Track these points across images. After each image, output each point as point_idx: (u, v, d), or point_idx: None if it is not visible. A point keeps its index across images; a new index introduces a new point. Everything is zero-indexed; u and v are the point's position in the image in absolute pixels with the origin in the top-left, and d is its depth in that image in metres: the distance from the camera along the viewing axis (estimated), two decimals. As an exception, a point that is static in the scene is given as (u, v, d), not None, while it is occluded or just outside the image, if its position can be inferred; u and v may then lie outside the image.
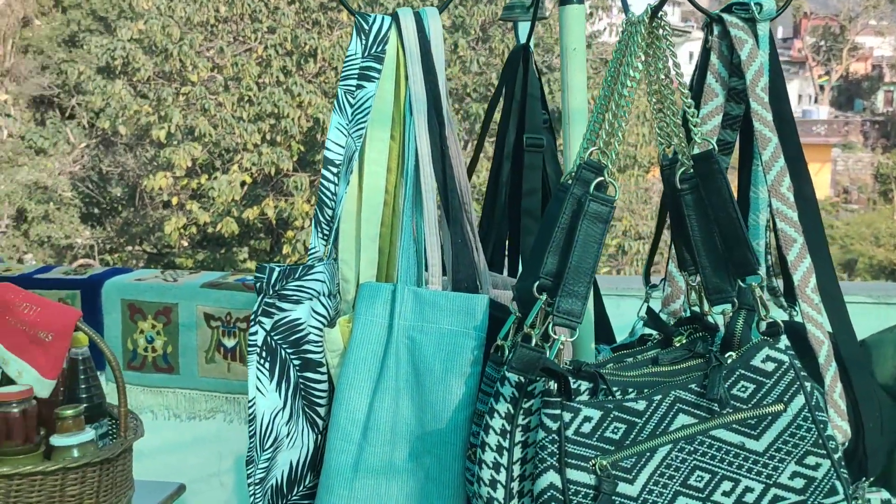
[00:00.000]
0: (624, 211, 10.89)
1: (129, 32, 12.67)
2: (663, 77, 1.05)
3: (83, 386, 1.69)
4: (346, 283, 1.14)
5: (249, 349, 1.04)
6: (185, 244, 14.55)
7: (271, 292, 1.06)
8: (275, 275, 1.07)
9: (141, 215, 15.53)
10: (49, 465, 1.49)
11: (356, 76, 1.14)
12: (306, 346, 1.10)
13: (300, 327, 1.09)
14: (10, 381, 1.59)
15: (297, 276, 1.09)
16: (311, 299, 1.09)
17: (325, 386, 1.13)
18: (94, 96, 13.40)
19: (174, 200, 13.07)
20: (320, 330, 1.12)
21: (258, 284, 1.07)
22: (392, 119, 1.15)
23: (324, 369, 1.13)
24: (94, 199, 16.29)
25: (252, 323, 1.05)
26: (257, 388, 1.05)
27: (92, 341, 1.63)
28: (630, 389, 0.98)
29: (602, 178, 1.00)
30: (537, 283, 0.98)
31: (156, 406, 2.68)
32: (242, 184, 11.63)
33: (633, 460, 0.96)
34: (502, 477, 0.95)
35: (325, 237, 1.10)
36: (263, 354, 1.06)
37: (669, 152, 1.09)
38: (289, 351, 1.09)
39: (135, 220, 15.76)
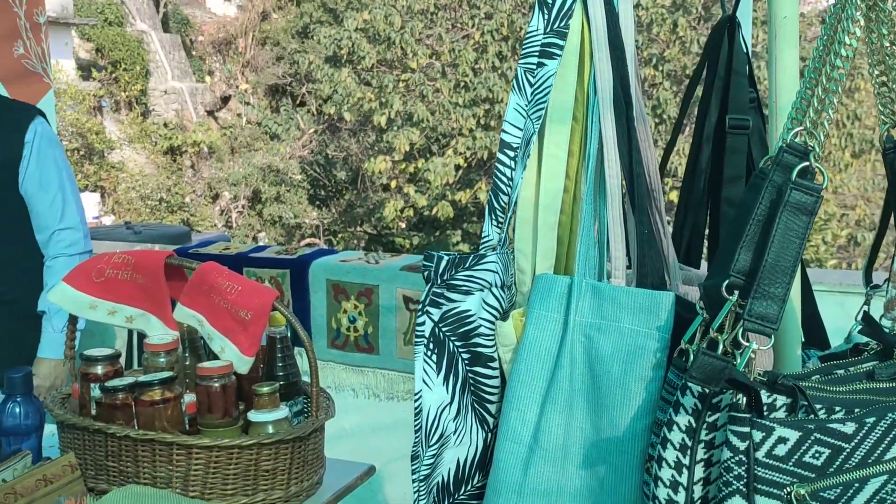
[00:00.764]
0: (858, 199, 10.03)
1: (354, 23, 13.24)
2: (888, 45, 0.90)
3: (280, 364, 1.74)
4: (522, 273, 1.07)
5: (416, 340, 1.01)
6: (403, 226, 15.06)
7: (439, 282, 1.02)
8: (443, 263, 1.02)
9: (362, 198, 16.23)
10: (245, 440, 1.55)
11: (537, 53, 1.06)
12: (476, 339, 1.04)
13: (470, 319, 1.04)
14: (214, 357, 1.67)
15: (467, 265, 1.04)
16: (481, 290, 1.03)
17: (495, 382, 1.07)
18: (323, 84, 14.16)
19: (392, 184, 13.56)
20: (492, 323, 1.06)
21: (426, 273, 1.03)
22: (575, 99, 1.07)
23: (495, 364, 1.07)
24: (320, 181, 17.23)
25: (419, 313, 1.01)
26: (423, 381, 1.01)
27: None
28: (837, 408, 0.85)
29: (807, 164, 0.87)
30: (727, 281, 0.87)
31: (357, 384, 2.75)
32: (457, 167, 11.86)
33: (839, 491, 0.83)
34: (681, 498, 0.85)
35: (500, 225, 1.04)
36: (431, 346, 1.02)
37: (895, 133, 0.93)
38: (457, 344, 1.03)
39: (357, 203, 16.52)
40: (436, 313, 1.02)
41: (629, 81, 1.06)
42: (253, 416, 1.60)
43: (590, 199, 1.06)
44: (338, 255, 2.75)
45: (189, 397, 1.63)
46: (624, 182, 1.06)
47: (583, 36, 1.07)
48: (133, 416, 1.60)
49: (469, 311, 1.04)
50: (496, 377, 1.08)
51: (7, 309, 2.34)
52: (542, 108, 1.06)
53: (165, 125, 17.29)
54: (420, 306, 1.02)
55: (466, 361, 1.06)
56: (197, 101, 18.95)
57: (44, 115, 2.44)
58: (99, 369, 1.66)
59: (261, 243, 15.56)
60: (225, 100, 19.64)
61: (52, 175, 2.37)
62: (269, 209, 15.93)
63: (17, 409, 1.64)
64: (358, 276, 2.62)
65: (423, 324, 1.02)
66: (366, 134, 15.81)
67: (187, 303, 1.69)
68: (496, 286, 1.05)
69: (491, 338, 1.05)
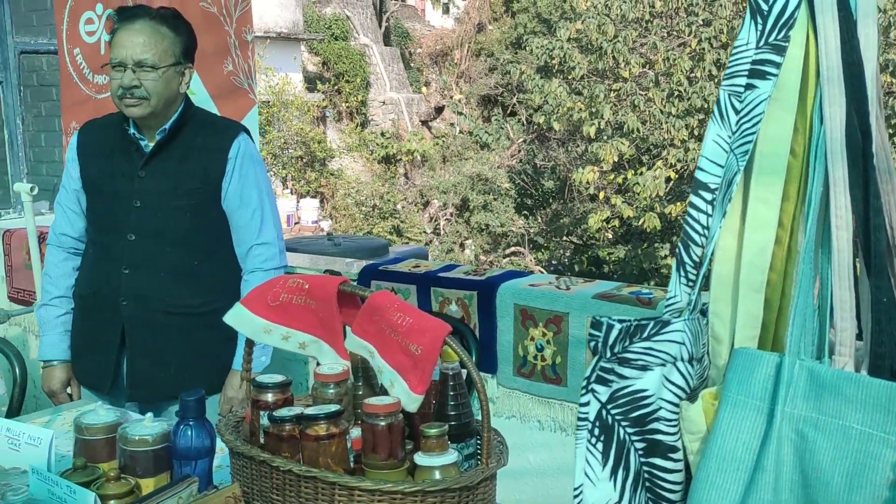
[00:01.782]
0: None
1: (567, 32, 13.13)
2: None
3: (452, 403, 1.62)
4: (718, 343, 0.86)
5: (579, 424, 0.83)
6: (609, 237, 14.76)
7: (609, 354, 0.84)
8: (614, 332, 0.84)
9: (568, 208, 16.04)
10: (408, 486, 1.45)
11: (746, 73, 0.85)
12: (655, 425, 0.84)
13: (647, 401, 0.84)
14: (382, 392, 1.58)
15: (645, 334, 0.84)
16: (663, 365, 0.84)
17: (677, 477, 0.87)
18: (533, 94, 14.16)
19: (600, 195, 13.31)
20: (676, 405, 0.85)
21: (592, 344, 0.85)
22: (794, 129, 0.85)
23: (678, 456, 0.87)
24: (527, 190, 17.21)
25: (583, 391, 0.84)
26: (585, 474, 0.83)
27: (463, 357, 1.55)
28: None
29: None
30: None
31: (543, 417, 2.60)
32: (667, 179, 11.41)
33: None
34: None
35: (691, 283, 0.84)
36: (596, 432, 0.84)
37: None
38: (630, 430, 0.84)
39: (563, 212, 16.33)
40: (603, 393, 0.84)
41: (867, 108, 0.82)
42: (419, 458, 1.49)
43: (809, 255, 0.83)
44: (527, 279, 2.61)
45: (356, 432, 1.55)
46: (856, 234, 0.82)
47: (807, 50, 0.85)
48: (299, 448, 1.54)
49: (646, 390, 0.84)
50: (679, 471, 0.88)
51: (204, 321, 2.39)
52: (749, 141, 0.84)
53: (382, 134, 17.93)
54: (584, 383, 0.85)
55: (641, 452, 0.86)
56: (412, 112, 19.52)
57: (248, 132, 2.49)
58: (269, 397, 1.62)
59: (467, 251, 15.75)
60: (439, 110, 20.10)
61: (252, 191, 2.41)
62: (477, 217, 16.09)
63: (190, 432, 1.63)
64: (547, 301, 2.47)
65: (587, 405, 0.84)
66: (574, 144, 15.60)
67: (358, 332, 1.62)
68: (682, 360, 0.85)
69: (674, 423, 0.85)
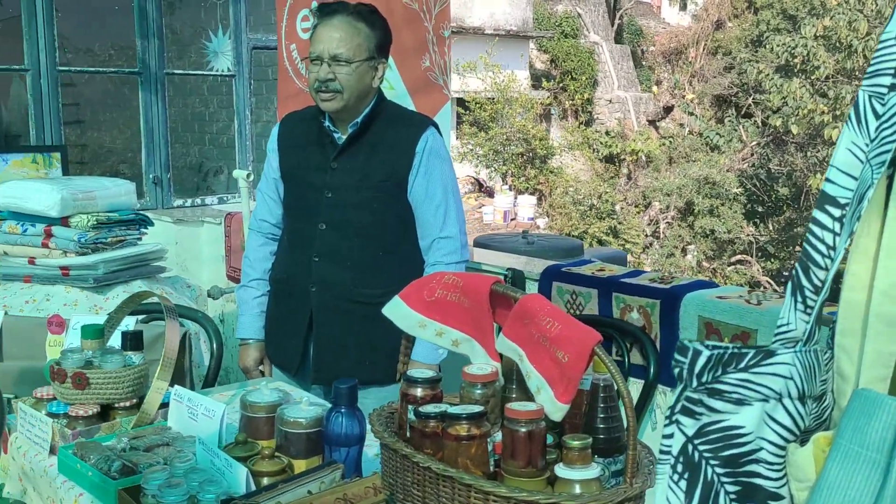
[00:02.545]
0: None
1: (812, 29, 12.32)
2: None
3: (602, 415, 1.54)
4: (844, 381, 0.73)
5: (661, 458, 0.74)
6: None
7: (695, 383, 0.73)
8: (701, 360, 0.73)
9: (804, 216, 15.02)
10: (544, 498, 1.39)
11: (892, 72, 0.72)
12: (752, 468, 0.73)
13: (743, 439, 0.73)
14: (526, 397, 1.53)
15: (742, 364, 0.73)
16: (764, 401, 0.72)
17: None
18: (771, 95, 13.40)
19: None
20: (781, 447, 0.74)
21: (676, 370, 0.75)
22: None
23: None
24: (758, 196, 16.29)
25: (667, 422, 0.75)
26: (668, 514, 0.74)
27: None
28: None
29: None
30: None
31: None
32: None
33: None
34: None
35: (809, 310, 0.72)
36: (679, 469, 0.74)
37: None
38: (720, 471, 0.74)
39: (797, 221, 15.31)
40: (690, 425, 0.74)
41: None
42: (560, 470, 1.43)
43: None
44: (715, 290, 2.43)
45: (499, 436, 1.52)
46: None
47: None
48: (441, 446, 1.53)
49: (741, 427, 0.73)
50: (785, 523, 0.76)
51: (383, 313, 2.43)
52: (889, 150, 0.71)
53: (607, 133, 17.67)
54: (668, 413, 0.76)
55: (733, 496, 0.75)
56: (640, 111, 19.07)
57: (437, 127, 2.50)
58: (418, 392, 1.62)
59: (689, 256, 15.16)
60: (667, 109, 19.49)
61: (437, 186, 2.42)
62: (701, 222, 15.44)
63: (341, 419, 1.66)
64: (734, 316, 2.28)
65: (670, 437, 0.74)
66: (814, 148, 14.57)
67: (509, 334, 1.58)
68: (790, 397, 0.73)
69: (778, 468, 0.73)
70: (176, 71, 6.02)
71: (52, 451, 1.85)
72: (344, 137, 2.42)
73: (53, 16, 4.32)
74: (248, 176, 3.39)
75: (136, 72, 4.71)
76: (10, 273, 2.99)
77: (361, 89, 2.36)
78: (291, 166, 2.51)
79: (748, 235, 15.81)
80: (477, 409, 1.50)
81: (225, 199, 5.09)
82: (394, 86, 2.85)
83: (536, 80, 17.50)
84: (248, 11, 4.96)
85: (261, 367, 2.62)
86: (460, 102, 15.26)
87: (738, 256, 15.51)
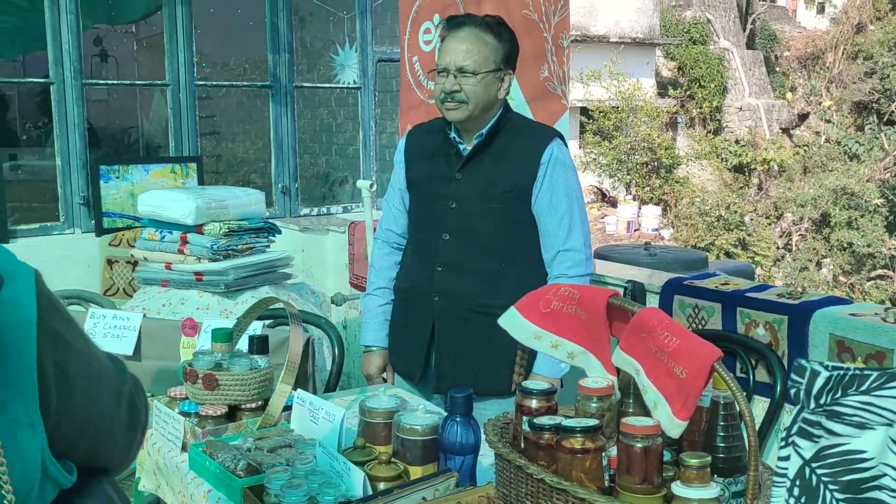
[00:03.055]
0: None
1: (963, 30, 11.56)
2: None
3: (721, 434, 1.50)
4: None
5: (776, 481, 0.71)
6: None
7: (813, 405, 0.70)
8: (819, 381, 0.69)
9: (952, 230, 14.08)
10: (658, 516, 1.36)
11: None
12: (874, 494, 0.70)
13: (865, 464, 0.70)
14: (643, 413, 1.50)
15: (864, 386, 0.69)
16: (889, 425, 0.69)
17: None
18: (917, 101, 12.66)
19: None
20: None
21: (793, 391, 0.72)
22: None
23: None
24: (902, 209, 15.40)
25: (783, 444, 0.72)
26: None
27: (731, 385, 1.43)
28: None
29: None
30: None
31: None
32: None
33: None
34: None
35: None
36: (795, 492, 0.71)
37: None
38: (840, 496, 0.70)
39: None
40: (808, 448, 0.71)
41: None
42: (677, 488, 1.40)
43: None
44: (849, 307, 2.31)
45: (615, 451, 1.50)
46: None
47: None
48: (555, 458, 1.52)
49: (864, 452, 0.70)
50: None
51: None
52: None
53: (736, 142, 17.12)
54: (784, 434, 0.73)
55: None
56: (772, 118, 18.38)
57: (562, 138, 2.48)
58: (533, 403, 1.61)
59: (823, 270, 14.47)
60: (802, 117, 18.71)
61: (561, 197, 2.39)
62: (838, 234, 14.72)
63: (456, 428, 1.68)
64: (869, 334, 2.16)
65: (786, 459, 0.72)
66: (964, 158, 13.66)
67: (626, 348, 1.56)
68: None
69: None
70: (305, 84, 6.23)
71: (184, 448, 1.94)
72: (469, 148, 2.42)
73: (192, 33, 4.55)
74: (371, 186, 3.46)
75: (268, 85, 4.89)
76: (149, 277, 3.17)
77: (487, 100, 2.37)
78: (417, 177, 2.54)
79: (889, 249, 14.95)
80: (592, 422, 1.48)
81: (349, 207, 5.22)
82: (513, 96, 2.86)
83: (663, 87, 17.14)
84: (374, 25, 5.08)
85: (383, 375, 2.65)
86: (584, 111, 15.11)
87: (879, 271, 14.69)
